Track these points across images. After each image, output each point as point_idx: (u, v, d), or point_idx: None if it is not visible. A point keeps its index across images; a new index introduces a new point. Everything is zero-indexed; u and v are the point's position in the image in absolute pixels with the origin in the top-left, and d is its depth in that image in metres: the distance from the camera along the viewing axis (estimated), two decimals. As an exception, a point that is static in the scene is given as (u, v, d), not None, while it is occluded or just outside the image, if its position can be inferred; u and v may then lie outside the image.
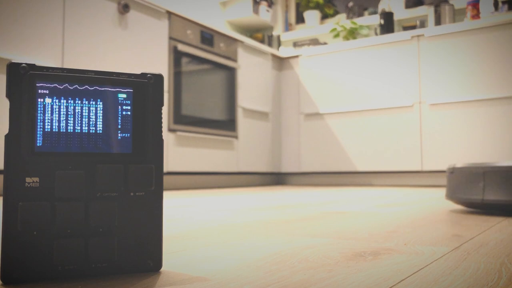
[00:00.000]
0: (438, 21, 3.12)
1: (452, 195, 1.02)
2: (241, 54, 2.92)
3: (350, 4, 3.67)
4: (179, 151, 2.42)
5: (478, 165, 0.97)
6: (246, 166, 2.92)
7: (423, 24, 3.24)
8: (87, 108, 0.40)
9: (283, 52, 3.36)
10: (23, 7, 1.77)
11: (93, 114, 0.40)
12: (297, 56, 3.27)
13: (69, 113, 0.39)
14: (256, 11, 3.67)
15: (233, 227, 0.77)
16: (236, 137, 2.83)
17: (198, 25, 2.59)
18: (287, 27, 3.98)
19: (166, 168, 2.34)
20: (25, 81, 0.38)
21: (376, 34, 3.32)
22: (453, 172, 1.02)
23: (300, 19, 3.99)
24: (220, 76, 2.73)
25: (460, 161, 2.72)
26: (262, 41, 3.83)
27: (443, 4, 3.10)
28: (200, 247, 0.56)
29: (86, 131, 0.39)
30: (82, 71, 0.40)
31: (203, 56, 2.58)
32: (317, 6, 3.77)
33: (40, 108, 0.38)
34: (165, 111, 2.34)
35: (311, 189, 2.48)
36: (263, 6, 3.73)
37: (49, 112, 0.38)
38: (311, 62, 3.20)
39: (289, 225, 0.80)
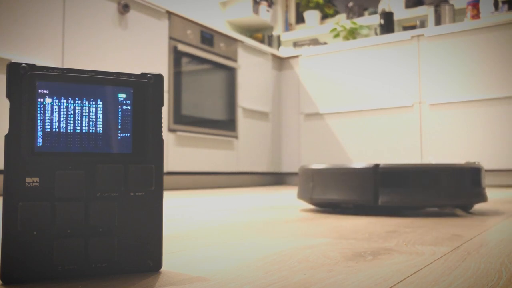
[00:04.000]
0: (438, 21, 3.12)
1: (298, 194, 1.13)
2: (241, 54, 2.92)
3: (350, 4, 3.67)
4: (179, 151, 2.42)
5: (309, 166, 1.09)
6: (246, 166, 2.92)
7: (423, 24, 3.24)
8: (87, 108, 0.40)
9: (283, 52, 3.36)
10: (23, 7, 1.77)
11: (93, 114, 0.40)
12: (297, 56, 3.27)
13: (69, 113, 0.39)
14: (256, 11, 3.67)
15: (233, 227, 0.77)
16: (236, 137, 2.83)
17: (198, 25, 2.59)
18: (287, 27, 3.98)
19: (166, 168, 2.34)
20: (25, 81, 0.38)
21: (376, 34, 3.32)
22: (298, 173, 1.13)
23: (300, 19, 3.99)
24: (220, 76, 2.73)
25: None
26: (262, 41, 3.83)
27: (443, 4, 3.10)
28: (200, 247, 0.56)
29: (86, 131, 0.39)
30: (82, 71, 0.40)
31: (203, 56, 2.58)
32: (317, 6, 3.77)
33: (40, 108, 0.38)
34: (165, 111, 2.34)
35: (311, 189, 2.48)
36: (263, 6, 3.73)
37: (49, 112, 0.38)
38: (311, 62, 3.20)
39: (289, 225, 0.80)
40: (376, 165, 0.96)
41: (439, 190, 0.95)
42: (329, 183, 1.02)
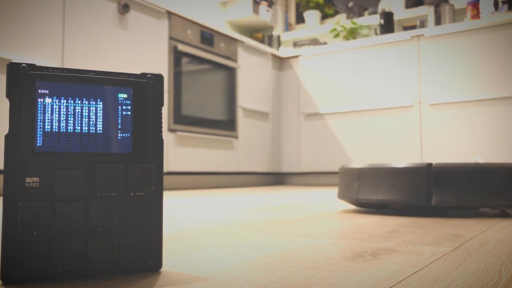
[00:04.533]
0: (438, 21, 3.12)
1: (340, 194, 1.09)
2: (241, 54, 2.92)
3: (350, 4, 3.67)
4: (179, 151, 2.42)
5: (353, 165, 1.05)
6: (246, 166, 2.92)
7: (423, 24, 3.24)
8: (87, 108, 0.40)
9: (283, 52, 3.36)
10: (23, 7, 1.77)
11: (93, 114, 0.40)
12: (297, 56, 3.27)
13: (69, 113, 0.39)
14: (256, 11, 3.67)
15: (233, 227, 0.77)
16: (236, 137, 2.83)
17: (198, 25, 2.59)
18: (287, 27, 3.98)
19: (166, 168, 2.34)
20: (25, 81, 0.38)
21: (376, 34, 3.32)
22: (340, 172, 1.10)
23: (300, 19, 3.99)
24: (220, 76, 2.73)
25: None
26: (262, 41, 3.83)
27: (443, 4, 3.10)
28: (200, 247, 0.56)
29: (86, 131, 0.39)
30: (82, 71, 0.40)
31: (203, 56, 2.58)
32: (317, 6, 3.77)
33: (40, 108, 0.38)
34: (165, 111, 2.34)
35: (311, 189, 2.48)
36: (263, 6, 3.73)
37: (49, 112, 0.38)
38: (311, 62, 3.20)
39: (289, 225, 0.80)
40: (429, 164, 0.93)
41: (494, 190, 0.92)
42: (378, 183, 0.97)
